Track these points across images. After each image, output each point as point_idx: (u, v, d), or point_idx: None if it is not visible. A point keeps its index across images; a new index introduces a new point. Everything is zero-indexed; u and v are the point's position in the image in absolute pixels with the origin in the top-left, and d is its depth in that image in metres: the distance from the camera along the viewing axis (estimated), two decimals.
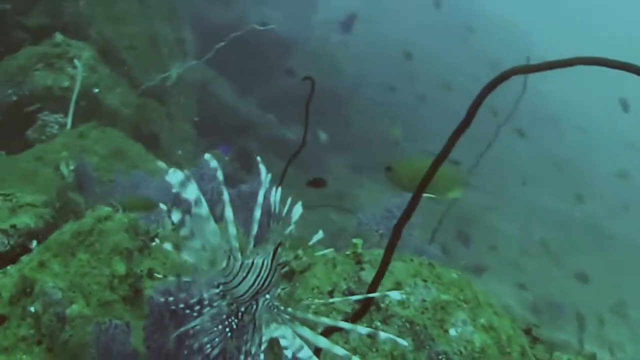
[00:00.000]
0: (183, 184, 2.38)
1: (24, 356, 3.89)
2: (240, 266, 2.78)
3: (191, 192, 2.43)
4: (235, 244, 2.77)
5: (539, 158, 18.17)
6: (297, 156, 4.93)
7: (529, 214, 15.74)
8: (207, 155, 2.66)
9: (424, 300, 4.07)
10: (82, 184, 5.37)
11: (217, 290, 2.83)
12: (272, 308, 2.88)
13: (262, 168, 2.82)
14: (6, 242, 4.73)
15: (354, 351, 3.85)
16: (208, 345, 2.87)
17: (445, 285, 4.22)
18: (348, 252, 4.34)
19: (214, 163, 2.62)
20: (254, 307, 2.88)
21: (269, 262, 2.86)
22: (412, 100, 16.33)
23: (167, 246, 2.65)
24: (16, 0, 8.62)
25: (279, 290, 2.95)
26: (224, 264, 2.71)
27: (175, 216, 2.47)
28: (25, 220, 5.01)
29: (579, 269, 12.57)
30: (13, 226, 4.91)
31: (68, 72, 8.77)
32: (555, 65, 2.38)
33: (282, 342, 2.68)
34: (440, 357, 3.88)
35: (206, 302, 2.85)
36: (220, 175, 2.66)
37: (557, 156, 17.77)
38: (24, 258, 4.52)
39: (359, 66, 16.39)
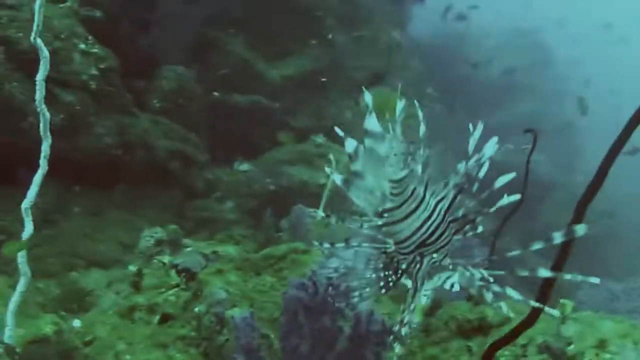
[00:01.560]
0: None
1: (179, 354, 3.47)
2: (412, 193, 2.20)
3: (372, 123, 2.08)
4: (418, 168, 2.21)
5: None
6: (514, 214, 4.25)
7: None
8: None
9: None
10: (295, 227, 5.10)
11: (379, 222, 2.23)
12: (438, 268, 2.25)
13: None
14: (204, 263, 4.45)
15: None
16: (356, 293, 2.35)
17: None
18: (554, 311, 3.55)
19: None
20: (417, 266, 2.30)
21: (444, 210, 2.25)
22: None
23: (337, 178, 2.17)
24: (284, 101, 8.98)
25: (447, 258, 2.31)
26: (399, 175, 2.15)
27: (350, 145, 2.05)
28: (228, 249, 4.77)
29: None
30: (214, 252, 4.68)
31: (326, 171, 8.75)
32: None
33: (453, 280, 2.21)
34: None
35: (364, 238, 2.32)
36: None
37: None
38: None
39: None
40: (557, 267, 2.29)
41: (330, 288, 2.39)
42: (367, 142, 2.10)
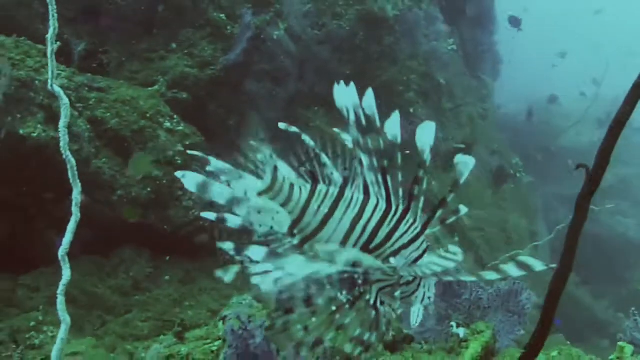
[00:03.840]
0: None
1: None
2: (312, 193, 1.81)
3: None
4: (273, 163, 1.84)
5: None
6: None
7: None
8: None
9: None
10: None
11: (295, 241, 1.82)
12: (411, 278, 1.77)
13: None
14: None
15: None
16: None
17: None
18: (612, 357, 3.07)
19: None
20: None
21: (382, 198, 1.80)
22: None
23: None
24: None
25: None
26: (265, 182, 1.76)
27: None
28: None
29: None
30: None
31: None
32: None
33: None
34: None
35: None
36: None
37: None
38: None
39: None
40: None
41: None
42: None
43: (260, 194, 1.77)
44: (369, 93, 1.78)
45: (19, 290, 4.96)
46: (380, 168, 1.76)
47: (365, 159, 1.75)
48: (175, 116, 6.18)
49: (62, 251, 2.97)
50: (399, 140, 1.76)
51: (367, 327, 1.71)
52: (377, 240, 1.76)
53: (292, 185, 1.76)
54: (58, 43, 5.24)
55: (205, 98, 6.92)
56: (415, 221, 1.77)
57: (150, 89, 6.23)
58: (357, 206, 1.76)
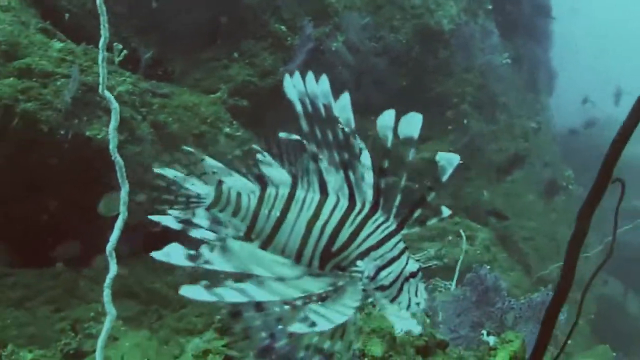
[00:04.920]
0: None
1: None
2: (261, 198, 1.64)
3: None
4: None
5: None
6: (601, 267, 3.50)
7: None
8: None
9: None
10: None
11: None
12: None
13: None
14: None
15: None
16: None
17: None
18: None
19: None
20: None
21: (345, 196, 1.62)
22: None
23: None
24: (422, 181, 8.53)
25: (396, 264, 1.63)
26: (210, 197, 1.66)
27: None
28: None
29: None
30: None
31: (461, 247, 8.14)
32: None
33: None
34: None
35: None
36: None
37: None
38: None
39: None
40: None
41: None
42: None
43: (207, 208, 1.67)
44: (324, 79, 1.63)
45: (81, 281, 5.04)
46: (341, 162, 1.61)
47: (322, 154, 1.61)
48: (234, 122, 6.20)
49: (109, 247, 2.99)
50: (353, 124, 1.61)
51: (328, 336, 1.56)
52: (339, 242, 1.58)
53: (239, 194, 1.65)
54: (125, 51, 5.32)
55: (264, 106, 6.92)
56: (387, 219, 1.62)
57: (212, 95, 6.27)
58: (312, 206, 1.59)
